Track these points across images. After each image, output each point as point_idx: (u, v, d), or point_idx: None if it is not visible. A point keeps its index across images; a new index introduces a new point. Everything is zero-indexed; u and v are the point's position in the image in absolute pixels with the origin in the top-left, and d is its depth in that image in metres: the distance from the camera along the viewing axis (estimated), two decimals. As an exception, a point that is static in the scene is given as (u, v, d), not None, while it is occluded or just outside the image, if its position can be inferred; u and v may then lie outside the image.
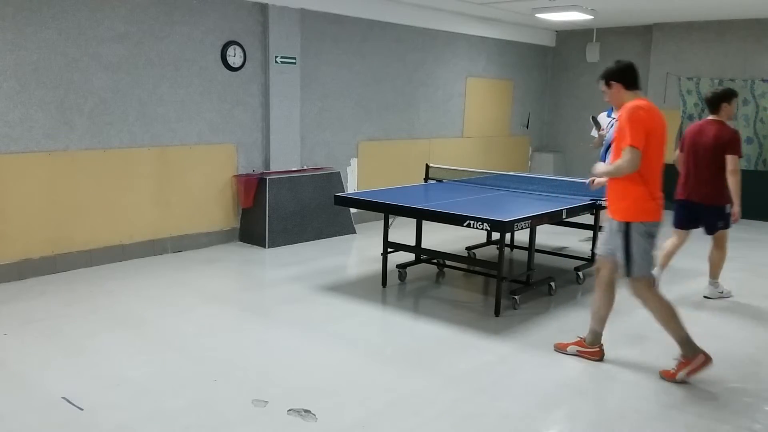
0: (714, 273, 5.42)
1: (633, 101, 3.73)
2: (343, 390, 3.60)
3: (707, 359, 3.77)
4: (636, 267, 3.75)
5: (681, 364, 3.78)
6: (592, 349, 4.08)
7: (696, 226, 5.33)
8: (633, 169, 3.62)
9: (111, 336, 4.31)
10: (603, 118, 6.82)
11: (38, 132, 5.53)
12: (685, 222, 5.37)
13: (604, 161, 6.59)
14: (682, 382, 3.75)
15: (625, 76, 3.83)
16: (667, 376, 3.80)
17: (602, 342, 4.09)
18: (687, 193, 5.29)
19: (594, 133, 6.79)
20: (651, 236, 3.76)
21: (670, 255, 5.46)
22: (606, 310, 4.04)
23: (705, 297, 5.44)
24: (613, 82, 3.85)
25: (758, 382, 3.86)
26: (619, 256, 3.80)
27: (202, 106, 6.65)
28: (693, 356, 3.76)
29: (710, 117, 5.20)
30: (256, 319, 4.81)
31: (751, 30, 9.28)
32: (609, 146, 6.61)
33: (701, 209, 5.22)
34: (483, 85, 10.10)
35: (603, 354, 4.07)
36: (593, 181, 4.19)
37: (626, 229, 3.74)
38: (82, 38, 5.69)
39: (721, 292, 5.43)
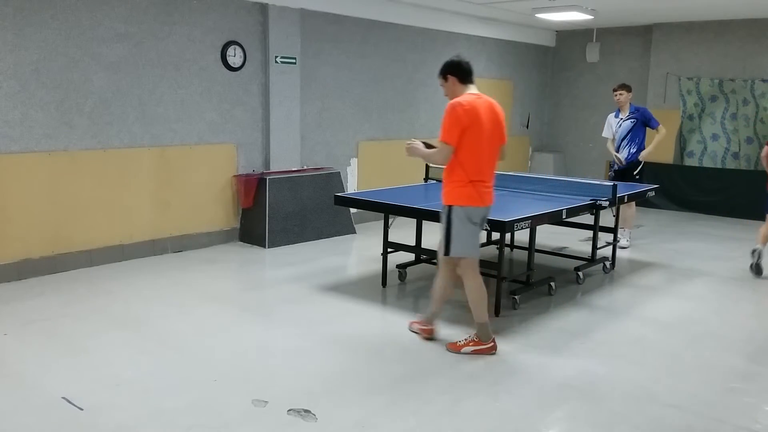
0: None
1: (459, 97, 3.97)
2: (343, 390, 3.60)
3: (494, 348, 4.11)
4: (453, 247, 4.03)
5: (471, 342, 4.12)
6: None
7: None
8: (443, 161, 3.98)
9: (111, 336, 4.31)
10: (611, 118, 7.36)
11: (38, 132, 5.53)
12: None
13: (618, 149, 7.25)
14: (459, 353, 4.08)
15: (460, 71, 4.05)
16: (453, 348, 4.13)
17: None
18: None
19: (606, 134, 7.38)
20: (471, 221, 3.99)
21: (766, 236, 6.07)
22: (450, 288, 4.28)
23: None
24: (449, 76, 4.07)
25: (758, 382, 3.86)
26: (442, 235, 4.07)
27: (202, 106, 6.65)
28: (486, 341, 4.11)
29: None
30: (256, 319, 4.81)
31: (751, 30, 9.28)
32: (621, 141, 7.19)
33: None
34: (483, 85, 9.96)
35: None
36: (410, 147, 4.25)
37: (448, 212, 4.01)
38: (82, 38, 5.69)
39: None
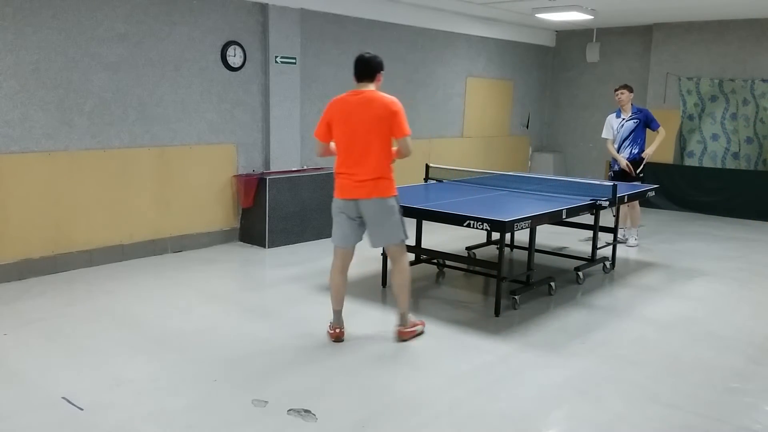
0: None
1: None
2: (343, 390, 3.60)
3: (340, 335, 4.27)
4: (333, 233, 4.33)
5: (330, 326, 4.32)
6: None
7: None
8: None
9: (111, 336, 4.31)
10: (612, 119, 7.35)
11: (38, 132, 5.53)
12: None
13: (619, 150, 7.25)
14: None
15: (354, 69, 4.23)
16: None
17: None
18: None
19: (606, 135, 7.34)
20: (339, 212, 4.26)
21: None
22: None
23: None
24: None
25: (758, 382, 3.86)
26: None
27: (202, 106, 6.65)
28: (332, 327, 4.30)
29: None
30: (256, 319, 4.81)
31: (751, 30, 9.28)
32: (622, 142, 7.20)
33: None
34: (483, 85, 10.10)
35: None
36: None
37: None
38: (82, 38, 5.69)
39: None
